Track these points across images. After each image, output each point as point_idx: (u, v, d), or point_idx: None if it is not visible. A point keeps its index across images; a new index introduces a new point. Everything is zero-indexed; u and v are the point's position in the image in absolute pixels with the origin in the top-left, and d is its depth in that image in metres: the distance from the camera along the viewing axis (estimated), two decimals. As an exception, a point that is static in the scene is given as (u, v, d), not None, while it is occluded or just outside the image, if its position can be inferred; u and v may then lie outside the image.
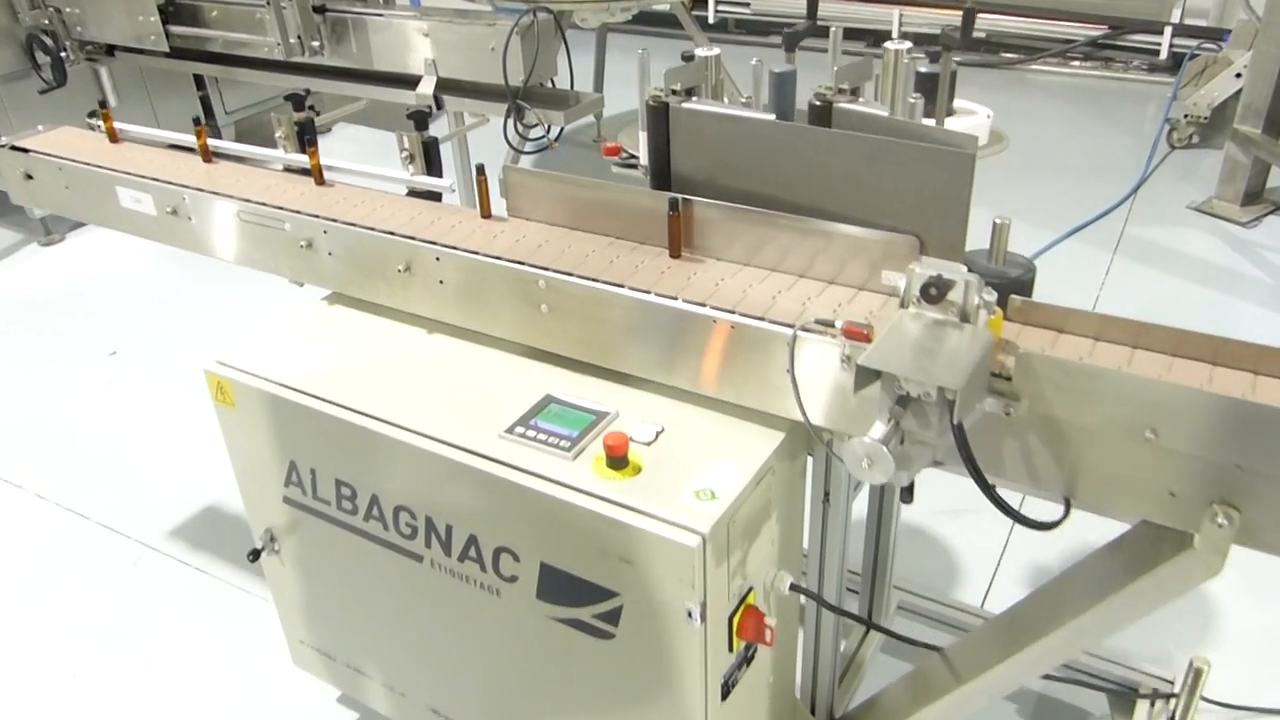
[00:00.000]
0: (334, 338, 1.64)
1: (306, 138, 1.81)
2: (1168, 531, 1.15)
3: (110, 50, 3.79)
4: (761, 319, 1.29)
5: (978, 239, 1.30)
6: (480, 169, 1.59)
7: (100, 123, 2.08)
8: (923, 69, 1.68)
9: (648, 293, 1.37)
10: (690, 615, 1.24)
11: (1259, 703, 1.97)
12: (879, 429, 1.07)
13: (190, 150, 1.97)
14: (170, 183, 1.84)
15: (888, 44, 1.53)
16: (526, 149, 3.11)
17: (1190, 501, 1.10)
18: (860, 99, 1.40)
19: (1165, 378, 1.12)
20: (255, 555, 1.72)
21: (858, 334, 1.19)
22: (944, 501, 2.45)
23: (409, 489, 1.46)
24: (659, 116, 1.43)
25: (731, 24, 7.12)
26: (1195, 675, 1.60)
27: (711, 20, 7.01)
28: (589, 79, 4.90)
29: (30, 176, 2.07)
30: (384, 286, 1.63)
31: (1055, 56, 6.11)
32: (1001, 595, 2.29)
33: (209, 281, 3.74)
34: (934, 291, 1.08)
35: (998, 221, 1.28)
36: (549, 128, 2.94)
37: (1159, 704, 1.83)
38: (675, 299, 1.36)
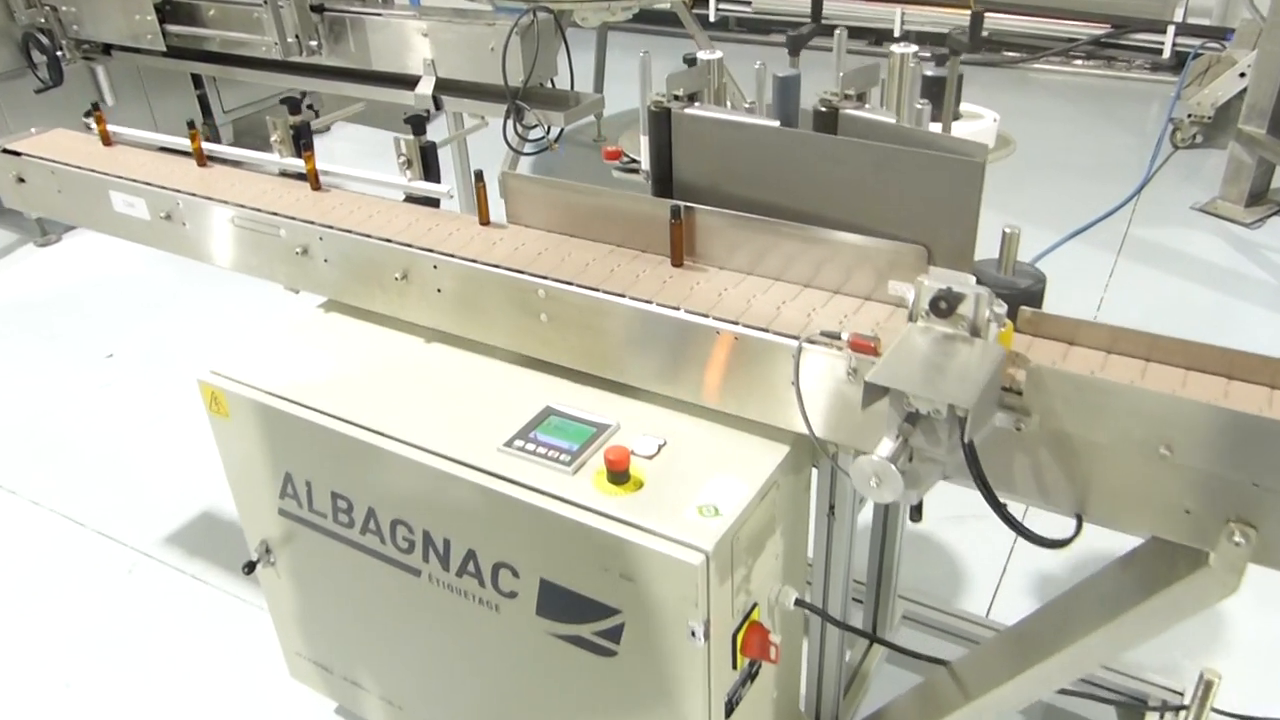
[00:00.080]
0: (330, 346, 1.62)
1: (302, 142, 1.78)
2: (1181, 548, 1.12)
3: (107, 49, 3.76)
4: (766, 330, 1.27)
5: (980, 241, 1.27)
6: (479, 175, 1.56)
7: (96, 124, 2.05)
8: (929, 72, 1.65)
9: (649, 303, 1.35)
10: (693, 634, 1.21)
11: (1271, 714, 1.94)
12: (887, 446, 1.05)
13: (185, 154, 1.94)
14: (164, 187, 1.82)
15: (894, 47, 1.51)
16: (526, 150, 3.08)
17: (1205, 519, 1.07)
18: (867, 104, 1.37)
19: (1180, 392, 1.10)
20: (250, 567, 1.69)
21: (864, 347, 1.17)
22: (948, 507, 2.42)
23: (406, 502, 1.43)
24: (661, 122, 1.40)
25: (732, 22, 7.08)
26: (1206, 688, 1.58)
27: (712, 18, 6.97)
28: (589, 78, 4.87)
29: (22, 180, 2.05)
30: (380, 294, 1.61)
31: (1058, 55, 6.08)
32: (1007, 603, 2.27)
33: (207, 283, 3.71)
34: (944, 305, 1.06)
35: (1007, 231, 1.25)
36: (548, 129, 2.91)
37: (1168, 716, 1.80)
38: (677, 309, 1.33)
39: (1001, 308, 1.10)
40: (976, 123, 1.83)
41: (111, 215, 1.92)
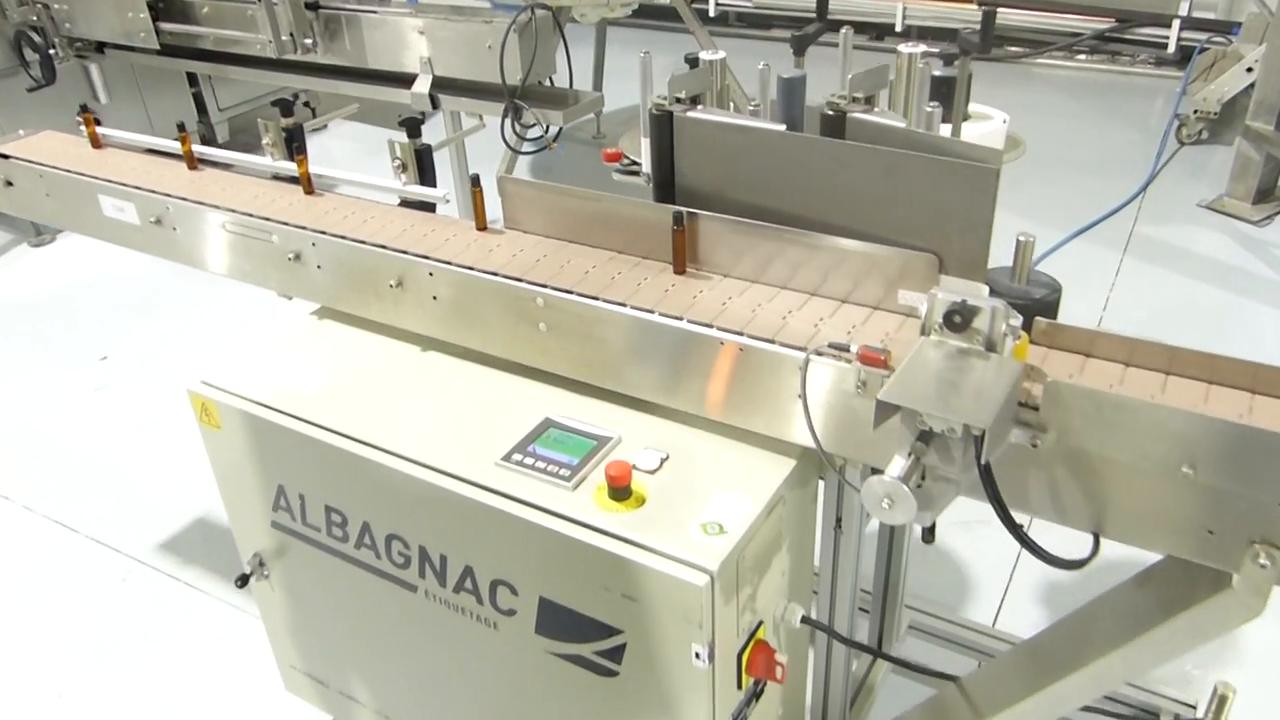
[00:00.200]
0: (323, 356, 1.58)
1: (295, 145, 1.74)
2: (1202, 568, 1.08)
3: (100, 47, 3.72)
4: (771, 341, 1.23)
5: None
6: (475, 179, 1.52)
7: (85, 126, 2.01)
8: (937, 72, 1.61)
9: (651, 312, 1.31)
10: (698, 656, 1.18)
11: (1282, 726, 1.91)
12: (899, 465, 1.01)
13: (176, 156, 1.89)
14: (153, 191, 1.77)
15: (901, 47, 1.46)
16: (525, 149, 3.04)
17: (1229, 540, 1.03)
18: (875, 108, 1.33)
19: (1202, 408, 1.06)
20: (244, 581, 1.65)
21: (874, 360, 1.13)
22: (954, 513, 2.36)
23: (401, 517, 1.40)
24: (663, 126, 1.36)
25: (732, 17, 7.03)
26: (1220, 702, 1.54)
27: (712, 13, 6.92)
28: (588, 74, 4.82)
29: (10, 183, 2.00)
30: (375, 302, 1.57)
31: (1061, 50, 6.02)
32: (1014, 611, 2.23)
33: (203, 285, 3.65)
34: (958, 319, 1.02)
35: (1021, 239, 1.21)
36: (547, 127, 2.87)
37: (1180, 730, 1.77)
38: (680, 319, 1.29)
39: (1017, 320, 1.06)
40: (986, 124, 1.79)
41: (101, 219, 1.88)
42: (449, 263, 1.46)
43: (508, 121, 2.78)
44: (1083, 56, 6.09)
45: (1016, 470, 1.11)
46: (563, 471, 1.28)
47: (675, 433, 1.35)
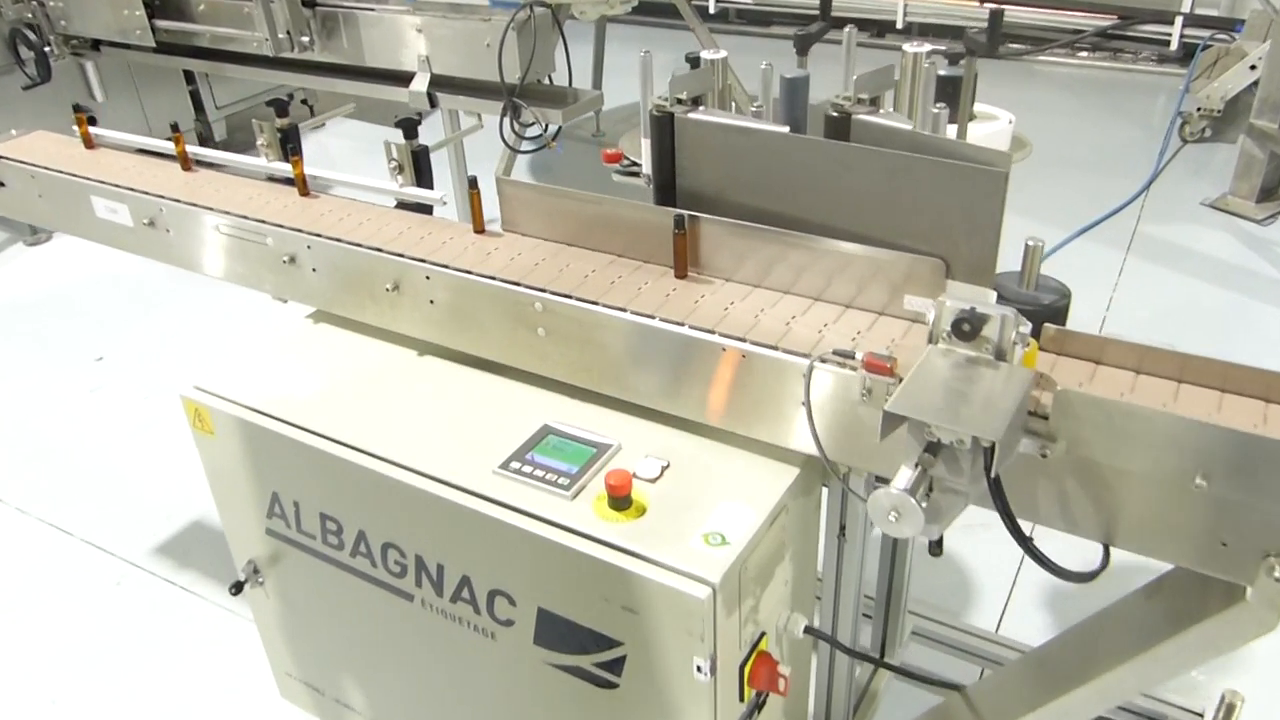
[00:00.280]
0: (318, 360, 1.55)
1: (290, 146, 1.71)
2: (1215, 580, 1.06)
3: (95, 45, 3.68)
4: (775, 348, 1.20)
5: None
6: (473, 181, 1.49)
7: (77, 126, 1.98)
8: (942, 71, 1.58)
9: (652, 317, 1.28)
10: (699, 669, 1.16)
11: (1289, 733, 1.89)
12: (905, 477, 0.98)
13: (170, 157, 1.87)
14: (147, 193, 1.75)
15: (906, 46, 1.44)
16: (524, 148, 3.01)
17: (1243, 552, 1.01)
18: (880, 109, 1.31)
19: (1215, 418, 1.03)
20: (238, 588, 1.63)
21: (880, 367, 1.10)
22: (958, 517, 2.36)
23: (397, 526, 1.37)
24: (664, 127, 1.33)
25: (732, 14, 6.99)
26: (1228, 710, 1.51)
27: (712, 10, 6.89)
28: (587, 71, 4.79)
29: (2, 184, 1.98)
30: (371, 305, 1.54)
31: (1063, 47, 5.99)
32: (1018, 616, 2.22)
33: (200, 284, 3.62)
34: (967, 328, 0.99)
35: (1030, 243, 1.19)
36: (546, 126, 2.84)
37: (1187, 738, 1.75)
38: (682, 325, 1.26)
39: (1026, 327, 1.04)
40: (991, 124, 1.76)
41: (94, 221, 1.85)
42: (446, 266, 1.44)
43: (506, 120, 2.75)
44: (1084, 54, 6.06)
45: (1025, 479, 1.09)
46: (561, 480, 1.25)
47: (676, 440, 1.32)
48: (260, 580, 1.64)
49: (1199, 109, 4.60)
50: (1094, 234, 3.91)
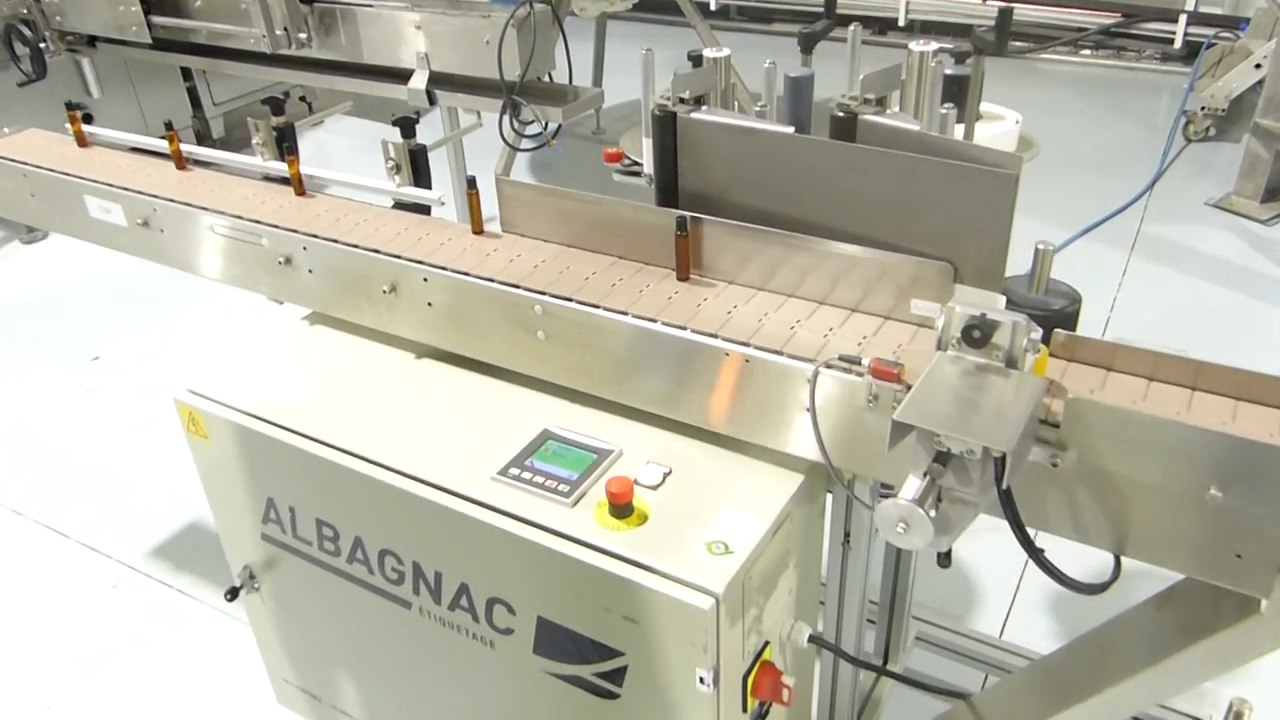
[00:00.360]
0: (313, 363, 1.53)
1: (286, 145, 1.68)
2: (1228, 591, 1.04)
3: (91, 41, 3.65)
4: (779, 353, 1.18)
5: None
6: (471, 181, 1.47)
7: (70, 124, 1.95)
8: (948, 71, 1.55)
9: (654, 321, 1.26)
10: (702, 681, 1.13)
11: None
12: (913, 486, 0.96)
13: (164, 156, 1.84)
14: (140, 192, 1.72)
15: (912, 44, 1.41)
16: (524, 146, 2.98)
17: (1258, 565, 0.99)
18: (887, 109, 1.28)
19: (1230, 427, 1.01)
20: (233, 594, 1.61)
21: (887, 373, 1.08)
22: (960, 520, 2.34)
23: (394, 532, 1.35)
24: (665, 127, 1.31)
25: (733, 11, 6.96)
26: (1236, 718, 1.50)
27: (713, 7, 6.85)
28: (588, 69, 4.76)
29: (-6, 183, 1.95)
30: (368, 307, 1.52)
31: (1066, 45, 5.96)
32: (1022, 620, 2.19)
33: (197, 283, 3.60)
34: (978, 335, 0.97)
35: (1040, 247, 1.16)
36: (546, 124, 2.81)
37: (1194, 746, 1.73)
38: (684, 328, 1.24)
39: (1037, 333, 1.01)
40: (998, 124, 1.74)
41: (87, 221, 1.83)
42: (444, 268, 1.41)
43: (506, 118, 2.72)
44: (1087, 52, 6.03)
45: (1034, 487, 1.06)
46: (562, 487, 1.23)
47: (678, 445, 1.30)
48: (256, 586, 1.62)
49: (1203, 108, 4.57)
50: (1097, 234, 3.88)
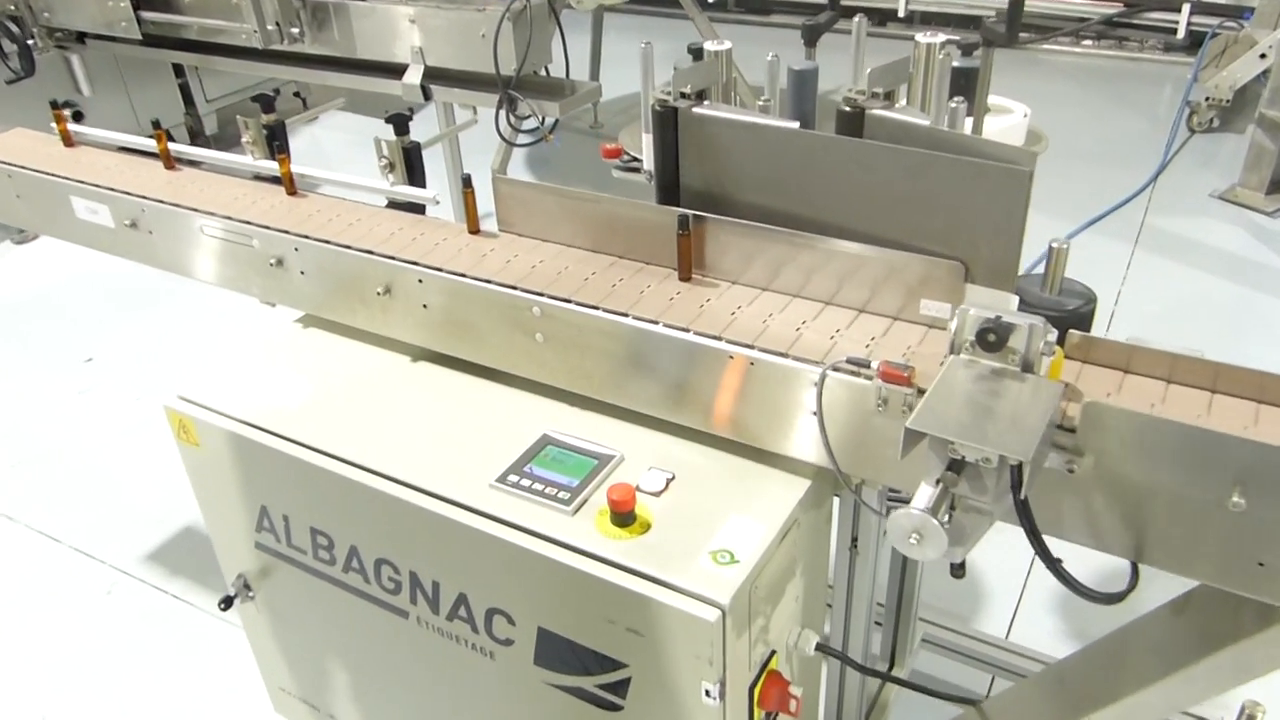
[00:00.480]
0: (307, 367, 1.49)
1: (276, 143, 1.64)
2: (1248, 599, 1.00)
3: (80, 37, 3.60)
4: (785, 355, 1.15)
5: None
6: (467, 180, 1.43)
7: (56, 123, 1.91)
8: (955, 63, 1.52)
9: (655, 323, 1.22)
10: (708, 694, 1.10)
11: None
12: (926, 495, 0.92)
13: (153, 155, 1.80)
14: (128, 193, 1.68)
15: (919, 36, 1.37)
16: (520, 142, 2.94)
17: (1282, 573, 0.95)
18: (895, 104, 1.24)
19: (1253, 431, 0.98)
20: (227, 603, 1.57)
21: (897, 377, 1.05)
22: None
23: (390, 541, 1.32)
24: (666, 123, 1.27)
25: (731, 3, 6.90)
26: (1249, 722, 1.47)
27: (711, -1, 6.79)
28: (584, 62, 4.71)
29: (-20, 184, 1.91)
30: (362, 309, 1.48)
31: (1068, 35, 5.91)
32: (1028, 620, 2.17)
33: (191, 283, 3.57)
34: (993, 338, 0.93)
35: (1054, 245, 1.13)
36: (543, 119, 2.77)
37: (1206, 749, 1.70)
38: (686, 330, 1.21)
39: (1053, 336, 0.98)
40: (1006, 118, 1.70)
41: (74, 222, 1.79)
42: (439, 269, 1.37)
43: (502, 113, 2.68)
44: (1089, 42, 5.98)
45: (1049, 493, 1.03)
46: (562, 494, 1.20)
47: (682, 450, 1.27)
48: (250, 595, 1.59)
49: (1207, 99, 4.53)
50: (1101, 227, 3.85)
